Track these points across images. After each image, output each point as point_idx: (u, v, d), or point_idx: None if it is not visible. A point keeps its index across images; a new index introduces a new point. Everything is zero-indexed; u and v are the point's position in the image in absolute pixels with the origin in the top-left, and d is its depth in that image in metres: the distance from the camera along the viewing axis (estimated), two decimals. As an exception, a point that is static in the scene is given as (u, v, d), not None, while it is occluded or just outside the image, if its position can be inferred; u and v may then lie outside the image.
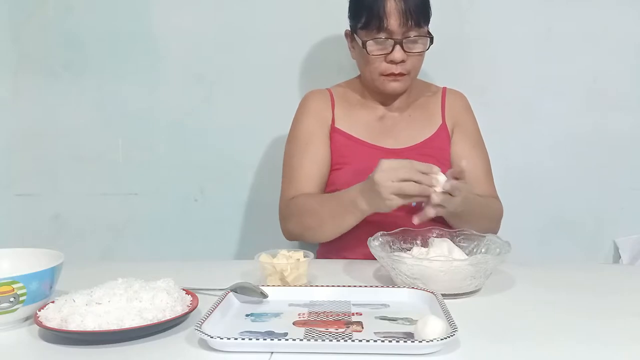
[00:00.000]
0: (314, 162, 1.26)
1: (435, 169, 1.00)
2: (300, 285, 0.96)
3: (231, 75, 1.64)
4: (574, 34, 1.58)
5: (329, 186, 1.27)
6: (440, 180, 1.01)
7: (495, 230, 1.26)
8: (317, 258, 1.32)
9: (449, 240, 1.03)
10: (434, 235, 1.08)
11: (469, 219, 1.13)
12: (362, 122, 1.30)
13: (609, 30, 1.58)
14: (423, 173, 1.00)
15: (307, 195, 1.22)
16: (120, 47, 1.64)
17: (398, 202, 1.00)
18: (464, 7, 1.58)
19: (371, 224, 1.12)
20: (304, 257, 0.99)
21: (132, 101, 1.66)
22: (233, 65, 1.63)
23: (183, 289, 0.87)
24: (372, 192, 1.02)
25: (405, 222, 1.09)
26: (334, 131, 1.29)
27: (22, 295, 0.79)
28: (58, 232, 1.70)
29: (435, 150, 1.27)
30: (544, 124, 1.61)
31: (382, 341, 0.71)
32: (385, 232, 1.07)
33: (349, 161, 1.26)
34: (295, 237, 1.27)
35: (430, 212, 1.01)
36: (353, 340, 0.71)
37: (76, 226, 1.70)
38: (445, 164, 1.27)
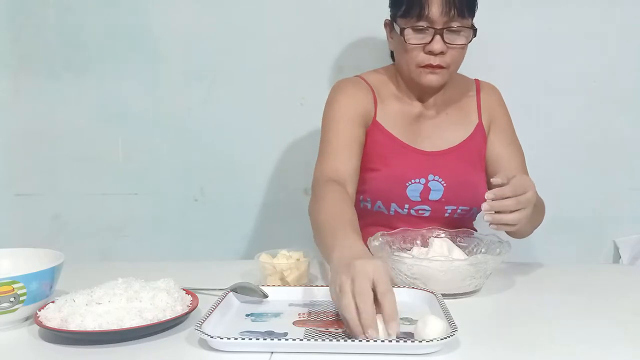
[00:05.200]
0: (349, 137, 1.17)
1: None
2: (300, 285, 0.96)
3: (231, 75, 1.63)
4: (574, 34, 1.58)
5: (365, 185, 1.20)
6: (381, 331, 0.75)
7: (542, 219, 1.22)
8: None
9: (449, 240, 1.03)
10: (434, 235, 1.09)
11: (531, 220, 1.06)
12: (399, 119, 1.23)
13: (609, 30, 1.58)
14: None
15: (334, 200, 1.05)
16: (120, 47, 1.64)
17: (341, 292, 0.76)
18: (464, 7, 1.58)
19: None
20: (304, 257, 0.99)
21: (132, 101, 1.65)
22: (233, 65, 1.63)
23: (183, 289, 0.87)
24: (340, 275, 0.78)
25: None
26: (374, 125, 1.22)
27: (22, 295, 0.79)
28: (58, 232, 1.70)
29: (471, 154, 1.24)
30: (544, 123, 1.61)
31: (382, 341, 0.71)
32: (385, 232, 1.07)
33: (386, 163, 1.20)
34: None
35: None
36: (353, 340, 0.71)
37: (76, 226, 1.70)
38: (481, 164, 1.26)
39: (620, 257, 1.61)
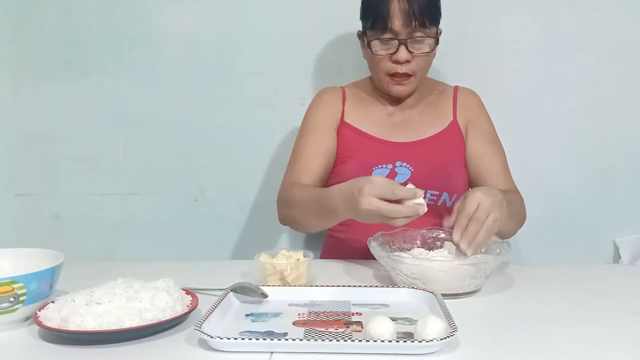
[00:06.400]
0: (317, 151, 1.27)
1: (419, 193, 0.96)
2: (300, 285, 0.96)
3: (231, 75, 1.63)
4: (574, 35, 1.58)
5: (335, 178, 1.27)
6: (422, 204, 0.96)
7: (523, 221, 1.26)
8: (320, 258, 1.32)
9: (450, 242, 1.03)
10: (433, 235, 1.09)
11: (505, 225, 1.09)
12: (371, 117, 1.31)
13: (609, 30, 1.57)
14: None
15: (302, 187, 1.21)
16: (120, 47, 1.64)
17: (374, 218, 0.97)
18: (464, 7, 1.58)
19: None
20: (304, 257, 0.99)
21: (132, 101, 1.65)
22: (233, 65, 1.63)
23: (183, 289, 0.87)
24: (352, 201, 0.99)
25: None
26: (342, 125, 1.30)
27: (22, 295, 0.79)
28: (58, 232, 1.70)
29: (444, 145, 1.28)
30: (544, 124, 1.61)
31: (382, 341, 0.71)
32: (385, 232, 1.07)
33: (355, 155, 1.27)
34: (286, 223, 1.28)
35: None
36: (353, 340, 0.71)
37: (76, 226, 1.70)
38: (459, 160, 1.28)
39: (620, 257, 1.61)
